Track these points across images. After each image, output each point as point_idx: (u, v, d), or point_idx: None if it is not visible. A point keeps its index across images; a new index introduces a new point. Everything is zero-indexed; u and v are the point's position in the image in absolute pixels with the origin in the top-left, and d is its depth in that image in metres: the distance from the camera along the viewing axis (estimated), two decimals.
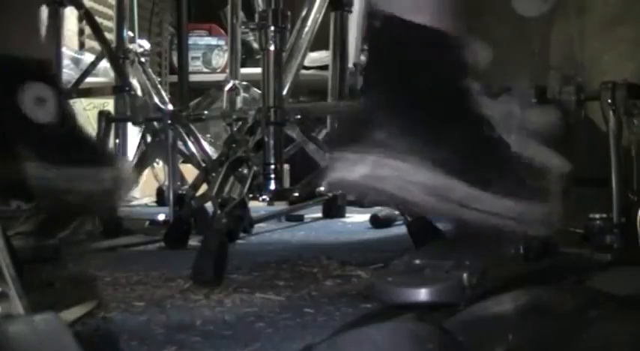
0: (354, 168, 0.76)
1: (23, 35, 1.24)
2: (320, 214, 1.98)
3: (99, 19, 2.09)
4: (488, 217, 0.79)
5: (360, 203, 2.18)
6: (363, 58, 2.03)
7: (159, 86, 1.96)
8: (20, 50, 1.21)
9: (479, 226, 0.80)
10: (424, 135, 0.77)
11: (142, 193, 2.42)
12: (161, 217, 1.67)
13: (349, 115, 0.84)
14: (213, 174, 1.49)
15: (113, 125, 1.75)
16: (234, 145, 1.40)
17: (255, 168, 1.30)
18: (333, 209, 1.97)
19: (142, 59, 1.92)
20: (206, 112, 1.85)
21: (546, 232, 0.85)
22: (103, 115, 1.69)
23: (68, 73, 2.22)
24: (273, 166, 1.30)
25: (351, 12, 1.98)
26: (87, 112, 2.31)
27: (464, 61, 0.81)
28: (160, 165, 2.08)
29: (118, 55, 1.84)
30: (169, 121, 1.62)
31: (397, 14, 0.79)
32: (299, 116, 1.37)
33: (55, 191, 1.19)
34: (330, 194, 1.95)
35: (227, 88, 1.96)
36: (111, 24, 2.22)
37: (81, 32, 2.78)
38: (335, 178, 0.78)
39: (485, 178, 0.79)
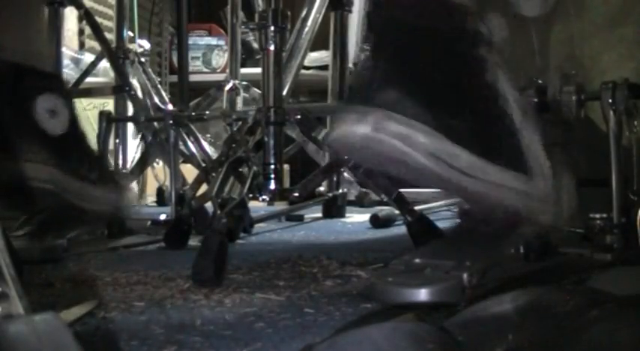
0: (356, 127, 0.75)
1: (24, 36, 1.24)
2: (320, 214, 1.98)
3: (99, 19, 2.09)
4: (492, 188, 0.77)
5: (361, 203, 2.18)
6: (363, 57, 2.03)
7: (159, 86, 1.96)
8: (23, 53, 1.22)
9: (482, 198, 0.79)
10: (432, 101, 0.76)
11: (142, 194, 2.42)
12: (163, 217, 1.68)
13: (361, 74, 0.83)
14: (213, 174, 1.49)
15: (113, 125, 1.75)
16: (234, 145, 1.40)
17: (255, 168, 1.30)
18: (333, 209, 1.97)
19: (142, 59, 1.92)
20: (207, 112, 1.85)
21: (553, 221, 0.84)
22: (103, 116, 1.70)
23: (68, 73, 2.22)
24: (273, 166, 1.30)
25: (351, 12, 1.98)
26: (87, 112, 2.31)
27: (477, 31, 0.80)
28: (159, 165, 2.08)
29: (118, 55, 1.84)
30: (171, 122, 1.62)
31: None
32: (299, 116, 1.38)
33: (61, 201, 1.21)
34: (330, 194, 1.96)
35: (227, 88, 1.96)
36: (111, 24, 2.22)
37: (81, 32, 2.78)
38: (336, 136, 0.78)
39: (494, 149, 0.77)
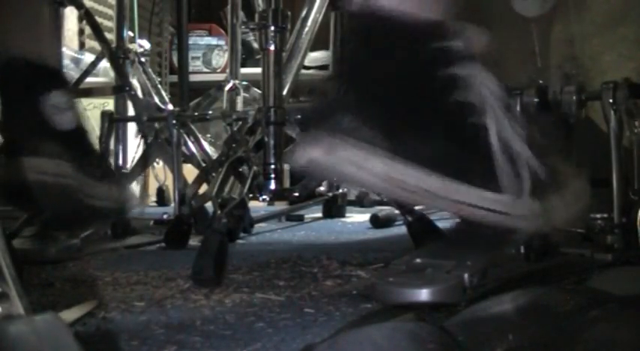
0: (308, 152, 0.77)
1: (30, 34, 1.25)
2: (320, 214, 1.98)
3: (99, 19, 2.09)
4: (464, 208, 0.78)
5: (361, 203, 2.18)
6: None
7: (159, 86, 1.96)
8: (30, 50, 1.22)
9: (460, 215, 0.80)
10: (393, 124, 0.77)
11: (145, 194, 2.41)
12: (166, 216, 1.68)
13: (319, 98, 0.86)
14: (213, 174, 1.49)
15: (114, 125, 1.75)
16: (234, 145, 1.40)
17: (255, 168, 1.30)
18: (333, 209, 1.97)
19: (142, 59, 1.92)
20: (210, 111, 1.85)
21: (537, 229, 0.84)
22: (105, 116, 1.69)
23: (68, 73, 2.21)
24: (273, 166, 1.30)
25: None
26: (87, 112, 2.31)
27: (450, 48, 0.79)
28: (159, 165, 2.08)
29: (118, 55, 1.84)
30: (174, 121, 1.62)
31: (377, 2, 0.79)
32: (299, 116, 1.37)
33: (70, 197, 1.21)
34: (330, 194, 1.96)
35: (227, 88, 1.96)
36: (111, 24, 2.21)
37: (81, 32, 2.78)
38: (297, 157, 0.80)
39: (460, 168, 0.78)
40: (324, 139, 0.76)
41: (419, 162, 0.76)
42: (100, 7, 2.73)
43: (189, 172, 1.74)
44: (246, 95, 1.98)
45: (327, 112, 0.78)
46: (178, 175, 1.63)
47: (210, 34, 3.25)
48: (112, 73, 1.95)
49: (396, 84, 0.79)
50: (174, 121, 1.62)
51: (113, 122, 1.71)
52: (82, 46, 2.79)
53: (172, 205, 2.12)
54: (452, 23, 0.79)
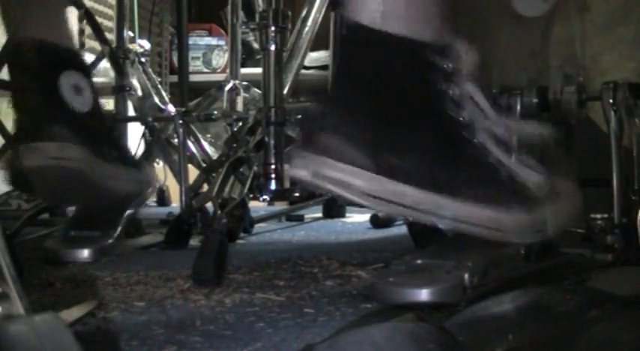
0: (297, 172, 0.80)
1: (46, 18, 1.24)
2: (320, 214, 1.98)
3: (99, 19, 2.08)
4: (453, 224, 0.79)
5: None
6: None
7: (159, 86, 1.96)
8: (45, 29, 1.22)
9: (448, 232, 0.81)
10: (376, 144, 0.79)
11: None
12: (172, 216, 1.67)
13: (307, 118, 0.89)
14: (214, 174, 1.49)
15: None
16: (234, 145, 1.40)
17: (255, 168, 1.30)
18: (333, 209, 1.97)
19: (142, 59, 1.92)
20: (215, 112, 1.84)
21: (530, 241, 0.84)
22: (110, 116, 1.69)
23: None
24: (273, 166, 1.30)
25: None
26: None
27: (435, 66, 0.80)
28: (160, 165, 2.08)
29: (118, 55, 1.83)
30: (180, 121, 1.62)
31: (364, 22, 0.80)
32: (299, 116, 1.37)
33: (94, 185, 1.20)
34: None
35: (227, 88, 1.96)
36: (111, 24, 2.21)
37: (81, 32, 2.78)
38: (290, 175, 0.82)
39: (450, 183, 0.78)
40: (310, 159, 0.79)
41: (405, 179, 0.77)
42: (100, 7, 2.73)
43: (190, 172, 1.74)
44: (246, 95, 1.98)
45: (315, 131, 0.81)
46: (185, 174, 1.62)
47: (210, 34, 3.25)
48: (112, 73, 1.95)
49: (380, 102, 0.80)
50: (181, 121, 1.61)
51: (117, 122, 1.70)
52: (82, 46, 2.79)
53: (173, 205, 2.12)
54: (440, 41, 0.80)
